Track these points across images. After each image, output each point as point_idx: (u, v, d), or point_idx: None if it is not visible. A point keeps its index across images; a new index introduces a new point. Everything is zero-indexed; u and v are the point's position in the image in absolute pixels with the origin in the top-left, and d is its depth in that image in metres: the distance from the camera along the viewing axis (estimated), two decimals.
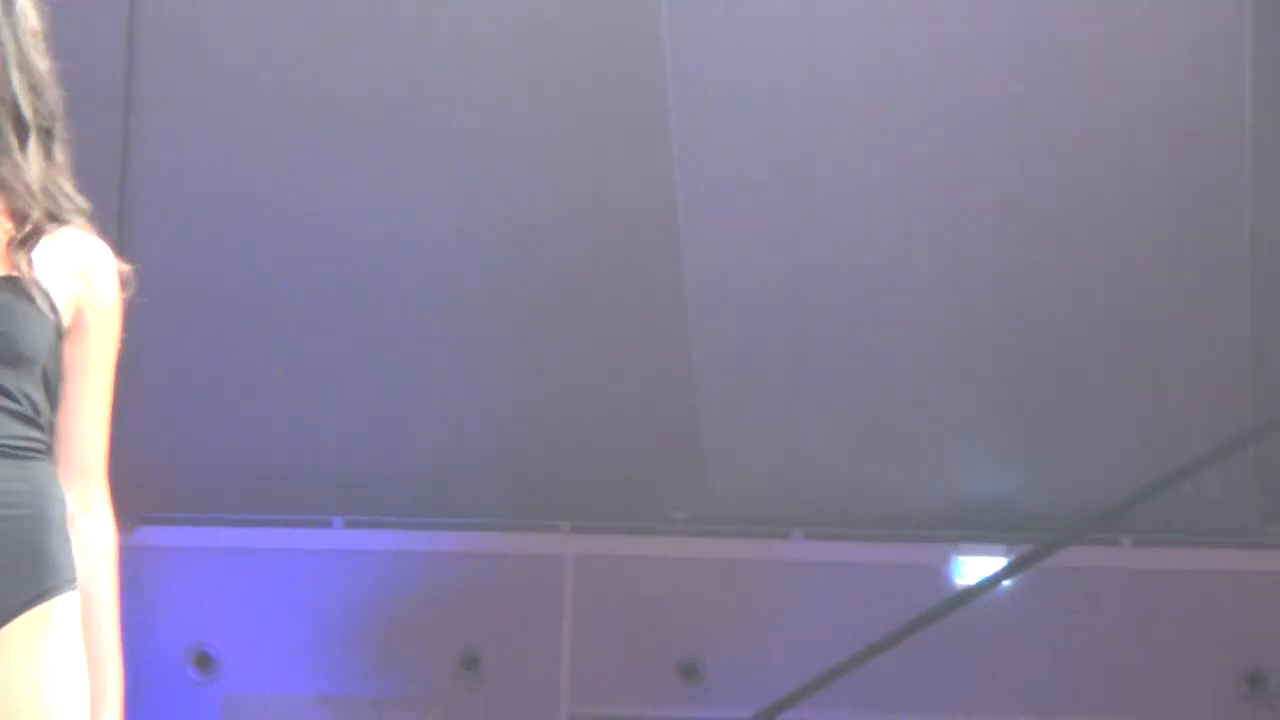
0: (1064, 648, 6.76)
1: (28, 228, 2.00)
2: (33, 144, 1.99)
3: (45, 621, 1.96)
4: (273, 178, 5.97)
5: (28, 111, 1.98)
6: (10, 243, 1.99)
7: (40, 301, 1.97)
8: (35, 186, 1.99)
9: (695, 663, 6.65)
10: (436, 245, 6.20)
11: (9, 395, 1.96)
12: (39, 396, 1.97)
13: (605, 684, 6.75)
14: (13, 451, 1.95)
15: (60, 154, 2.06)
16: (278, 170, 5.93)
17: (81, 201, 2.06)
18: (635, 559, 6.71)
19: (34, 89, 1.99)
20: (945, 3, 6.18)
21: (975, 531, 6.75)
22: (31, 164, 2.00)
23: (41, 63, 2.01)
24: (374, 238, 6.15)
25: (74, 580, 1.98)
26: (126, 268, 2.10)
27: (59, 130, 2.05)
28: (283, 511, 6.31)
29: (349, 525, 6.58)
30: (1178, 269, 6.68)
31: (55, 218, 2.02)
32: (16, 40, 1.97)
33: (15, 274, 1.98)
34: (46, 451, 2.00)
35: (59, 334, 2.00)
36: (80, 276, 2.02)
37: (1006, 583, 6.57)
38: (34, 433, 1.98)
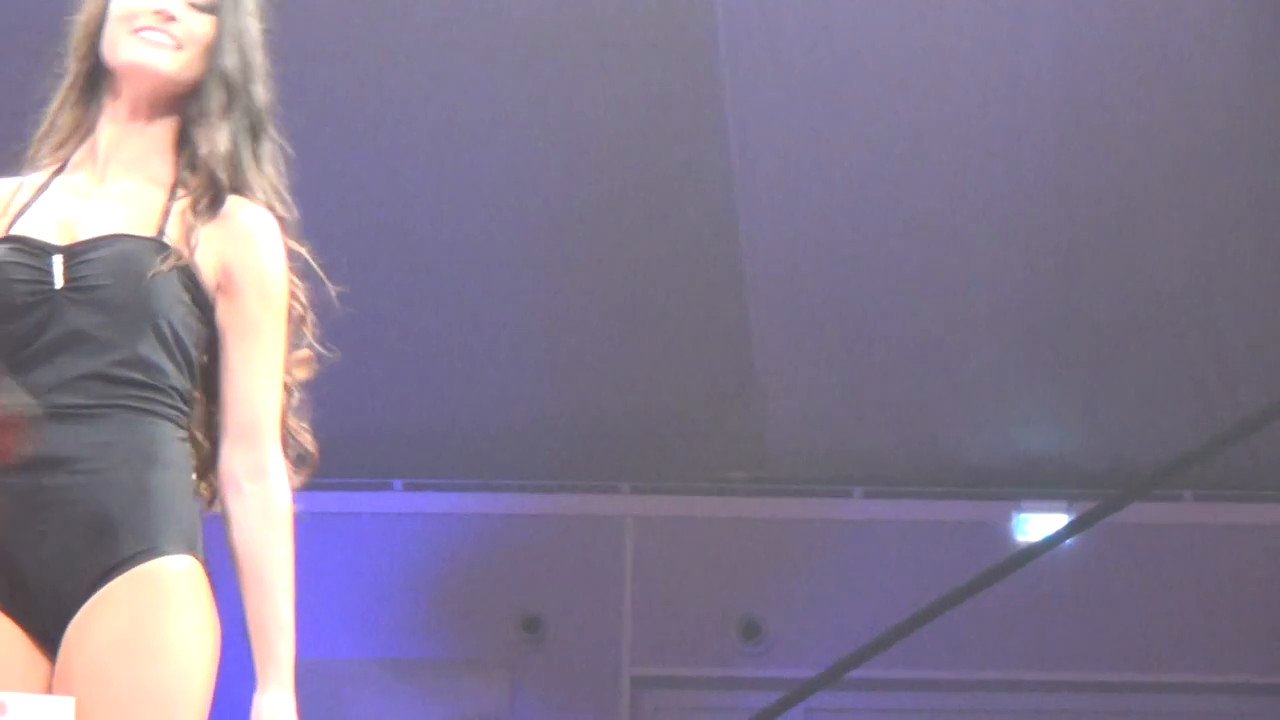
0: (1126, 604, 6.75)
1: (189, 193, 2.06)
2: (234, 116, 2.07)
3: (131, 593, 1.94)
4: (325, 131, 5.95)
5: (237, 80, 2.07)
6: (168, 204, 2.05)
7: (171, 261, 2.00)
8: (221, 152, 2.06)
9: (757, 622, 6.65)
10: (491, 203, 6.20)
11: (105, 351, 1.97)
12: (157, 356, 1.98)
13: (666, 645, 6.75)
14: (92, 411, 1.95)
15: (266, 139, 2.13)
16: (329, 122, 5.91)
17: (273, 180, 2.12)
18: (695, 519, 6.72)
19: (246, 66, 2.09)
20: None
21: (1036, 488, 6.74)
22: (224, 133, 2.07)
23: (256, 50, 2.11)
24: (428, 196, 6.16)
25: (178, 547, 1.96)
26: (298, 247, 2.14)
27: (266, 116, 2.12)
28: (341, 475, 6.32)
29: (408, 488, 6.61)
30: (1236, 225, 6.64)
31: (234, 188, 2.07)
32: (237, 17, 2.08)
33: (156, 235, 2.02)
34: (163, 412, 1.99)
35: (195, 296, 2.03)
36: (235, 240, 2.05)
37: (1068, 540, 6.53)
38: (142, 392, 1.98)
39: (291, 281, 2.11)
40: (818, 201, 6.28)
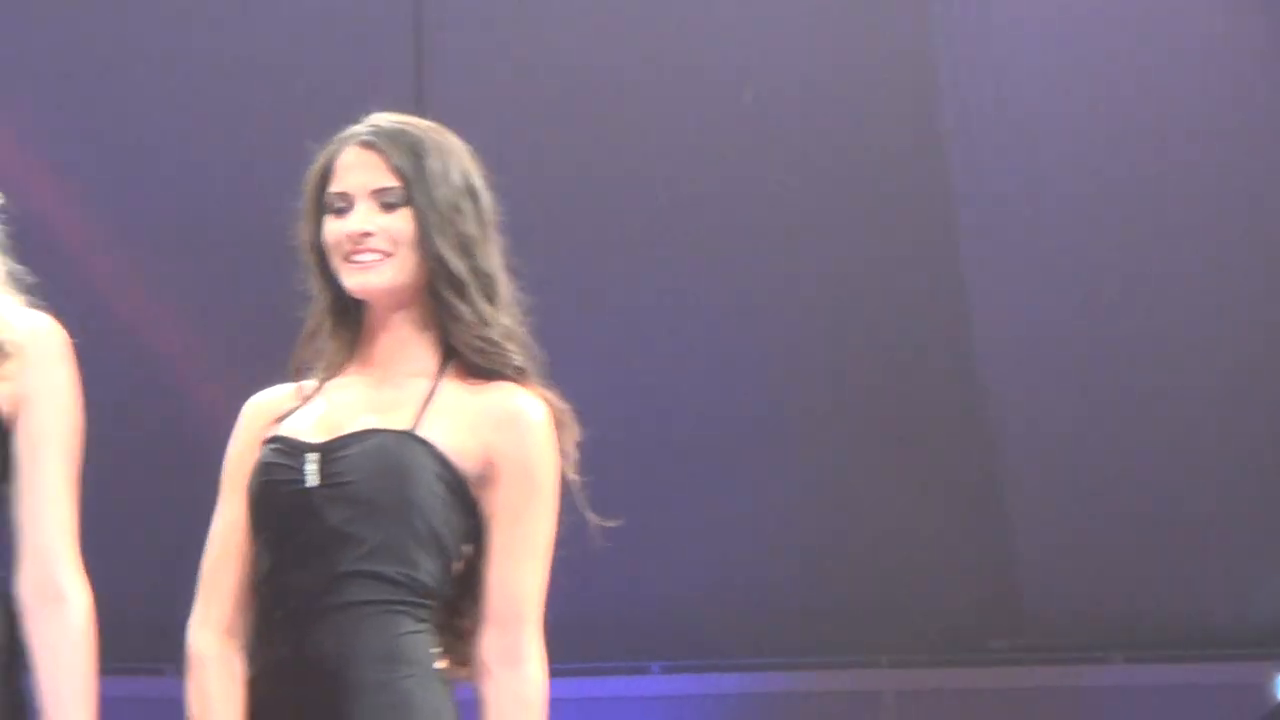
0: None
1: (451, 380, 2.09)
2: (470, 293, 2.07)
3: None
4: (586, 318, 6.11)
5: (456, 259, 2.07)
6: (429, 395, 2.07)
7: (426, 453, 2.03)
8: (467, 336, 2.08)
9: None
10: (738, 387, 6.33)
11: (358, 548, 2.00)
12: (411, 550, 2.01)
13: None
14: (342, 612, 2.00)
15: (504, 309, 2.12)
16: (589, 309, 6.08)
17: (521, 357, 2.12)
18: (955, 691, 6.68)
19: (460, 238, 2.08)
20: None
21: None
22: (465, 313, 2.08)
23: (464, 215, 2.10)
24: (679, 379, 6.28)
25: None
26: (562, 408, 2.14)
27: (500, 285, 2.12)
28: (598, 659, 6.37)
29: (665, 671, 6.64)
30: None
31: (491, 371, 2.09)
32: (430, 194, 2.06)
33: (411, 427, 2.05)
34: (412, 611, 2.03)
35: (454, 487, 2.04)
36: (499, 427, 2.06)
37: None
38: (392, 591, 2.02)
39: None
40: (1063, 359, 6.35)
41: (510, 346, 2.09)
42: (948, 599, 6.59)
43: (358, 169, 2.09)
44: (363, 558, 2.00)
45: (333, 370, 2.17)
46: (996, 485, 6.44)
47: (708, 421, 6.30)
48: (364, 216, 2.08)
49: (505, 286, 2.13)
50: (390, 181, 2.06)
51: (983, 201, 6.18)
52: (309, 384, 2.17)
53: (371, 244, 2.07)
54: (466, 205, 2.10)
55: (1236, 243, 6.21)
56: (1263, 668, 6.69)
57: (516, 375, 2.09)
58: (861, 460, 6.42)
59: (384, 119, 2.14)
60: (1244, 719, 6.40)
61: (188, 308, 6.02)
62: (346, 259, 2.09)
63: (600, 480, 2.18)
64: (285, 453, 2.07)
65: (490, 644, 2.05)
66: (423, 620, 2.03)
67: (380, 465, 2.02)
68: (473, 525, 2.06)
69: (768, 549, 6.49)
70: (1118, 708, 6.63)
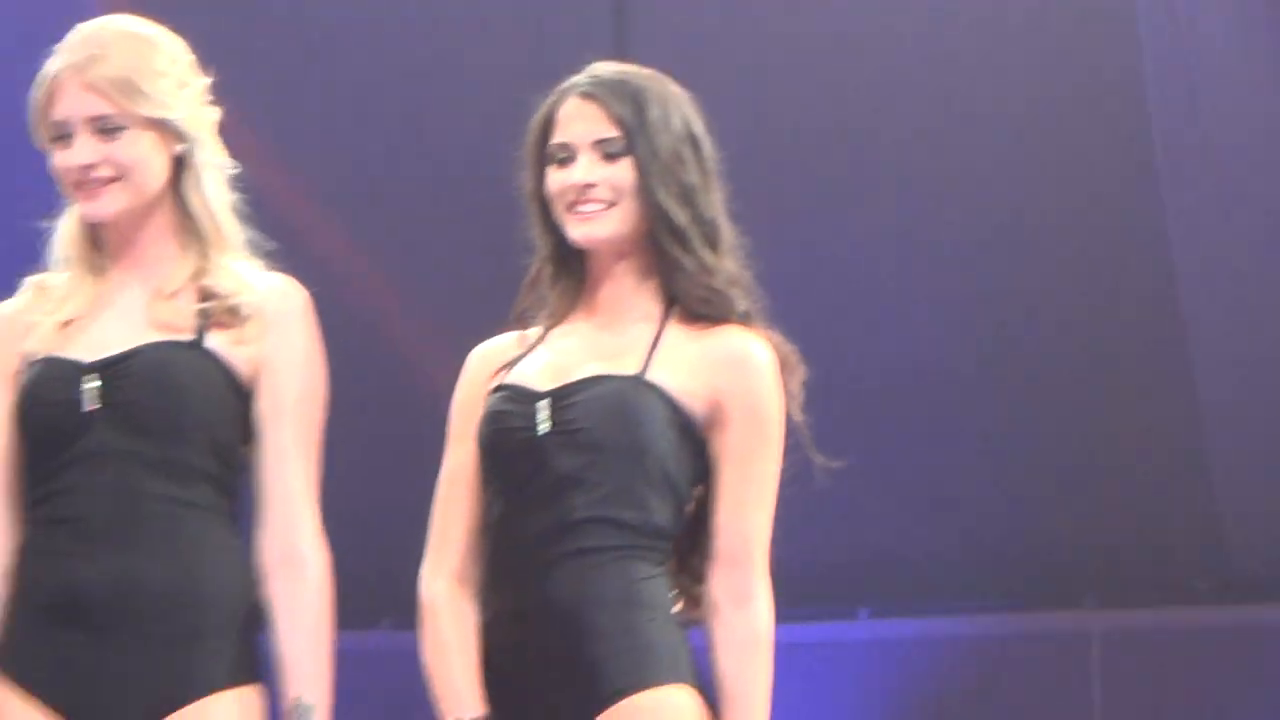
0: None
1: (676, 326, 2.15)
2: (692, 242, 2.12)
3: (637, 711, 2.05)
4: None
5: (676, 208, 2.11)
6: (655, 341, 2.13)
7: (655, 397, 2.08)
8: (690, 286, 2.13)
9: None
10: (964, 339, 6.46)
11: (591, 493, 2.06)
12: (644, 493, 2.06)
13: None
14: (576, 559, 2.06)
15: (727, 255, 2.18)
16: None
17: (745, 302, 2.17)
18: (1160, 631, 6.82)
19: (681, 187, 2.12)
20: None
21: None
22: (688, 262, 2.14)
23: (684, 162, 2.14)
24: (897, 323, 6.43)
25: (666, 679, 2.06)
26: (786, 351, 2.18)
27: (722, 232, 2.17)
28: (807, 605, 6.51)
29: (874, 616, 6.81)
30: None
31: (720, 315, 2.15)
32: (651, 143, 2.11)
33: (639, 372, 2.11)
34: (645, 554, 2.08)
35: (684, 429, 2.10)
36: (726, 369, 2.12)
37: None
38: (627, 535, 2.07)
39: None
40: (1267, 309, 6.45)
41: (734, 292, 2.14)
42: (1152, 540, 6.76)
43: (579, 120, 2.12)
44: (596, 503, 2.04)
45: (555, 318, 2.20)
46: (1200, 427, 6.55)
47: (923, 367, 6.45)
48: (586, 167, 2.11)
49: (728, 233, 2.17)
50: (611, 132, 2.09)
51: (1184, 147, 6.27)
52: (532, 332, 2.21)
53: (594, 194, 2.11)
54: (688, 153, 2.13)
55: None
56: None
57: (741, 319, 2.14)
58: (1067, 406, 6.55)
59: (604, 68, 2.17)
60: None
61: (406, 262, 6.20)
62: (570, 209, 2.13)
63: (821, 421, 2.23)
64: (514, 400, 2.11)
65: (720, 583, 2.10)
66: (659, 564, 2.10)
67: (611, 410, 2.06)
68: (701, 467, 2.11)
69: (975, 495, 6.64)
70: None
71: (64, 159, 2.14)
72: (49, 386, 2.12)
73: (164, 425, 2.08)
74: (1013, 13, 6.09)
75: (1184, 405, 6.52)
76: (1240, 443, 6.61)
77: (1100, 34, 6.19)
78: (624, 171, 2.11)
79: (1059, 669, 6.84)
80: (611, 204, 2.11)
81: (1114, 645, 6.79)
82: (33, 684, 2.05)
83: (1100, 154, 6.25)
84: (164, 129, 2.14)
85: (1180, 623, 6.81)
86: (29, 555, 2.12)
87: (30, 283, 2.22)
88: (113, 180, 2.13)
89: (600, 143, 2.11)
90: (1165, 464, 6.67)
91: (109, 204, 2.14)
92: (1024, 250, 6.33)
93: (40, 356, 2.14)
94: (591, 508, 2.05)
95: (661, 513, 2.08)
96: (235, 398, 2.11)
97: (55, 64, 2.13)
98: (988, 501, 6.63)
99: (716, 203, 2.17)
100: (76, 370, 2.11)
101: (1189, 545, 6.76)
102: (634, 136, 2.09)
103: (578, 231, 2.13)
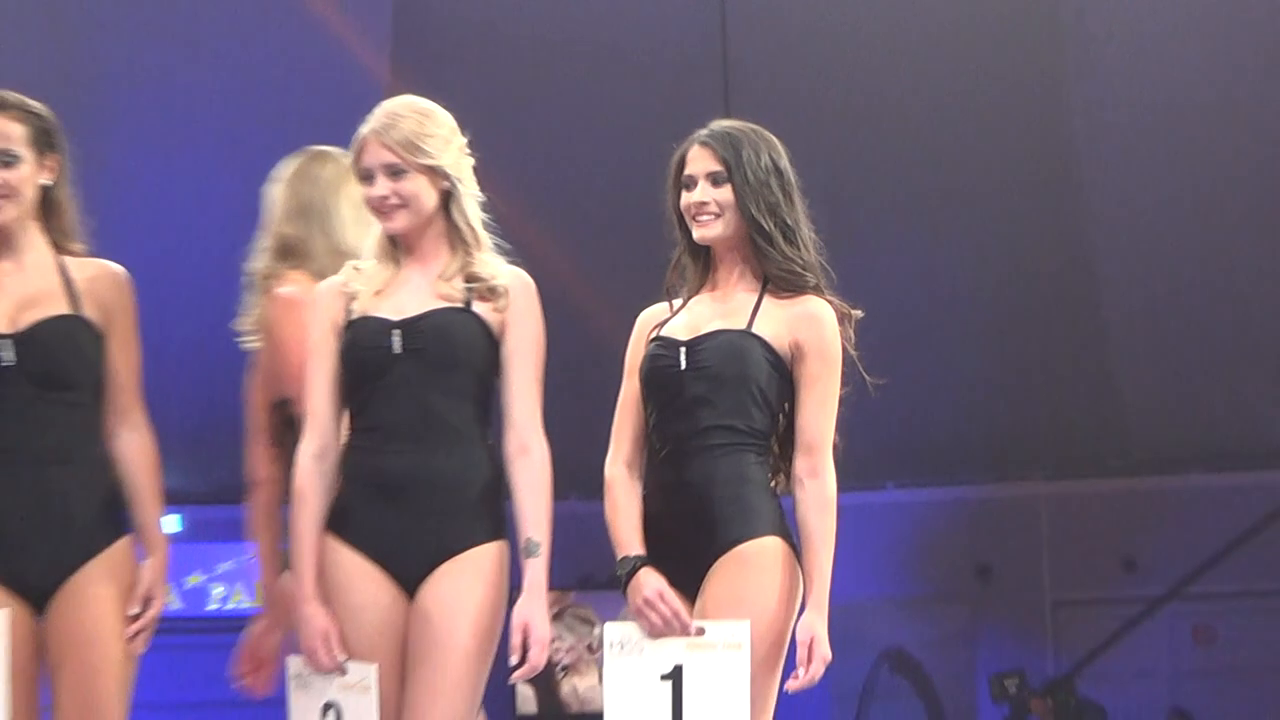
0: None
1: (771, 294, 2.72)
2: (776, 241, 2.71)
3: (736, 564, 2.61)
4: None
5: (766, 220, 2.70)
6: (756, 305, 2.72)
7: (760, 345, 2.66)
8: (776, 270, 2.71)
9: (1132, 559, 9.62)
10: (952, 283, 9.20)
11: (715, 409, 2.64)
12: (751, 409, 2.66)
13: (1073, 579, 9.70)
14: (708, 451, 2.65)
15: (803, 247, 2.72)
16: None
17: (814, 278, 2.74)
18: (1091, 495, 9.70)
19: (769, 207, 2.71)
20: None
21: None
22: (774, 257, 2.70)
23: (772, 189, 2.70)
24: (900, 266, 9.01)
25: (765, 532, 2.62)
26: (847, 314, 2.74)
27: (800, 232, 2.73)
28: (853, 480, 9.00)
29: (897, 487, 9.63)
30: None
31: (798, 288, 2.73)
32: (745, 174, 2.70)
33: (747, 327, 2.68)
34: (751, 447, 2.65)
35: (775, 365, 2.67)
36: (802, 323, 2.69)
37: None
38: (739, 437, 2.65)
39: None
40: (1160, 252, 8.94)
41: (807, 274, 2.72)
42: (1079, 431, 9.48)
43: (698, 159, 2.73)
44: (718, 415, 2.64)
45: (691, 291, 2.80)
46: (1112, 359, 9.32)
47: (920, 313, 9.01)
48: (702, 191, 2.70)
49: (805, 231, 2.73)
50: (717, 167, 2.70)
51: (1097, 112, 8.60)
52: (677, 301, 2.81)
53: (708, 209, 2.69)
54: (773, 180, 2.70)
55: None
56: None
57: (813, 290, 2.73)
58: (1018, 338, 9.25)
59: (719, 124, 2.79)
60: None
61: (591, 257, 8.82)
62: (693, 219, 2.72)
63: (865, 351, 2.77)
64: (664, 347, 2.72)
65: (800, 465, 2.65)
66: (760, 455, 2.68)
67: (727, 353, 2.66)
68: (788, 389, 2.69)
69: (961, 404, 9.34)
70: (1201, 506, 9.49)
71: (368, 192, 2.66)
72: (369, 336, 2.63)
73: (445, 363, 2.64)
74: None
75: (1099, 340, 9.19)
76: (1139, 363, 9.27)
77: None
78: (726, 193, 2.68)
79: (1019, 522, 9.73)
80: (718, 215, 2.69)
81: (1056, 508, 9.69)
82: (356, 542, 2.62)
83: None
84: (435, 172, 2.65)
85: (1099, 489, 9.68)
86: (353, 451, 2.66)
87: (348, 265, 2.75)
88: (400, 207, 2.65)
89: (711, 174, 2.69)
90: (1087, 379, 9.38)
91: (399, 222, 2.66)
92: (978, 231, 8.86)
93: (360, 315, 2.65)
94: (714, 419, 2.64)
95: (761, 421, 2.66)
96: (490, 346, 2.66)
97: (363, 129, 2.66)
98: (972, 407, 9.36)
99: (795, 211, 2.72)
100: (387, 326, 2.63)
101: (1104, 434, 9.47)
102: (732, 170, 2.67)
103: (698, 234, 2.71)
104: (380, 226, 2.69)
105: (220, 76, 8.47)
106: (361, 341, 2.62)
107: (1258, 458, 9.51)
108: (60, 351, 2.71)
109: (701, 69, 8.71)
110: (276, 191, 3.09)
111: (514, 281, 2.67)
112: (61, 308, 2.73)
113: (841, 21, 8.63)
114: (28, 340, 2.69)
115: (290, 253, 3.01)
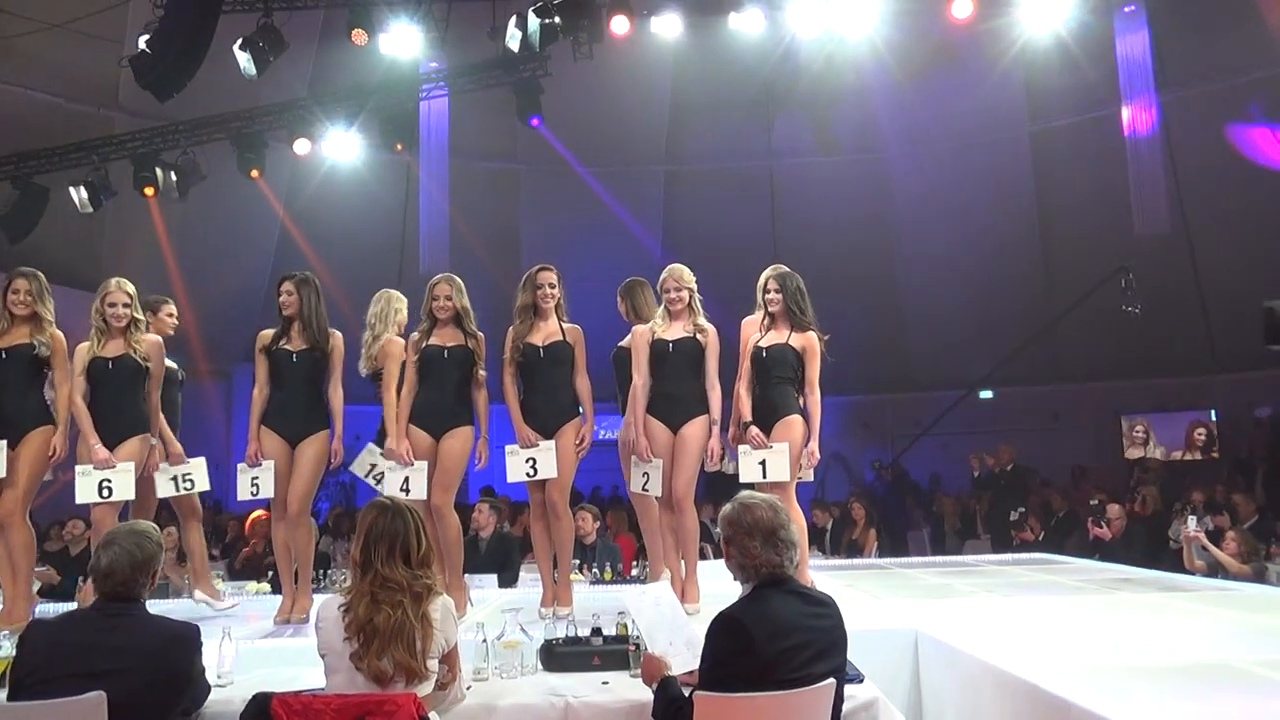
0: None
1: (790, 331, 5.93)
2: (797, 313, 6.00)
3: (782, 429, 5.89)
4: None
5: (793, 306, 6.09)
6: (789, 334, 5.93)
7: (791, 350, 5.86)
8: (795, 322, 6.01)
9: None
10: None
11: (784, 370, 6.00)
12: (792, 372, 6.03)
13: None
14: (770, 388, 6.01)
15: (809, 310, 6.04)
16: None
17: (808, 323, 6.01)
18: (884, 404, 14.60)
19: (794, 299, 6.01)
20: None
21: None
22: (797, 317, 5.91)
23: (796, 295, 5.99)
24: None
25: (792, 414, 6.03)
26: None
27: (807, 306, 6.06)
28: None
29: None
30: None
31: (803, 328, 6.03)
32: (786, 289, 6.08)
33: (786, 343, 6.00)
34: (792, 383, 5.99)
35: (798, 356, 5.92)
36: (803, 340, 5.99)
37: None
38: (785, 383, 5.95)
39: (822, 345, 5.90)
40: (932, 257, 13.98)
41: (806, 321, 5.97)
42: (885, 363, 14.24)
43: (771, 281, 6.04)
44: (777, 374, 5.94)
45: (766, 329, 5.95)
46: (902, 311, 14.00)
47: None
48: (771, 297, 5.98)
49: (809, 305, 5.97)
50: (775, 286, 5.99)
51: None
52: (764, 329, 6.09)
53: (773, 298, 5.97)
54: (799, 292, 5.99)
55: None
56: None
57: (809, 327, 5.99)
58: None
59: (773, 268, 6.13)
60: None
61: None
62: (766, 305, 6.06)
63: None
64: (763, 349, 5.90)
65: (804, 387, 5.90)
66: (796, 387, 5.97)
67: (778, 354, 5.93)
68: (800, 365, 5.96)
69: (861, 335, 13.26)
70: (981, 415, 14.16)
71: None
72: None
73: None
74: None
75: (896, 306, 13.91)
76: (921, 319, 14.07)
77: None
78: (777, 296, 5.91)
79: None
80: (778, 303, 5.92)
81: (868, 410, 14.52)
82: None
83: None
84: None
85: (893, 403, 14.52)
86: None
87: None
88: None
89: (773, 290, 5.94)
90: (888, 328, 14.19)
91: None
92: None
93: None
94: (777, 374, 5.88)
95: (794, 378, 5.89)
96: None
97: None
98: (855, 336, 12.63)
99: (806, 299, 5.92)
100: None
101: (895, 366, 14.30)
102: (782, 288, 5.93)
103: (769, 310, 5.96)
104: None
105: None
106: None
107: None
108: None
109: None
110: None
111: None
112: None
113: None
114: None
115: None
